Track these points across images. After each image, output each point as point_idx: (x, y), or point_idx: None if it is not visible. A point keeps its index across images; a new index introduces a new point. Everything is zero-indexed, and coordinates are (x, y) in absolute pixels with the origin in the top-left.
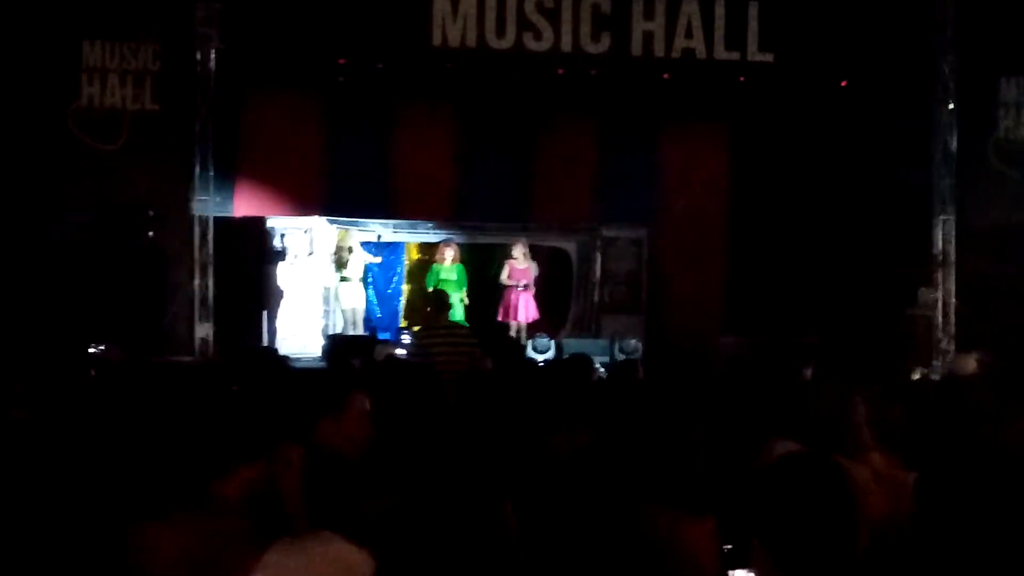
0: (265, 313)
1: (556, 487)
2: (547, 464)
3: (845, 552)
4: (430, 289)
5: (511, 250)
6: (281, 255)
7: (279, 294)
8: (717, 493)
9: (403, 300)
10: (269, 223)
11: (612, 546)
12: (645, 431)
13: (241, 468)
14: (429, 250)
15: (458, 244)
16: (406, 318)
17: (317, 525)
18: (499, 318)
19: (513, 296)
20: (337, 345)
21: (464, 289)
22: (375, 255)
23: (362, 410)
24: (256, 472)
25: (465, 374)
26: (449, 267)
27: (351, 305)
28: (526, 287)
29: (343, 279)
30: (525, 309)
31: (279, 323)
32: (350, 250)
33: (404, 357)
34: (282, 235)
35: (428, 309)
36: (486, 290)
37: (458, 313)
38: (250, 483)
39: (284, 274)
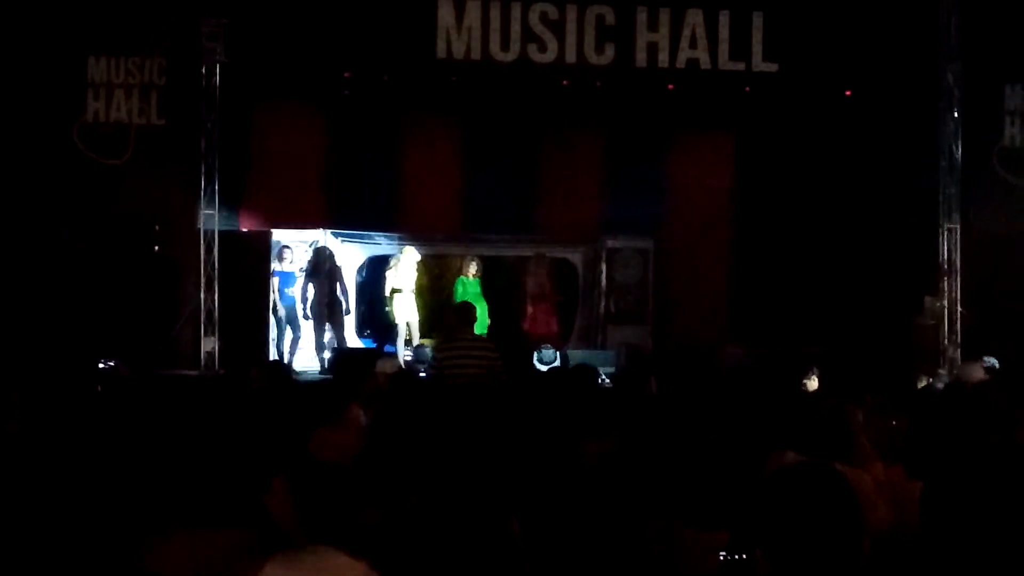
0: (271, 326)
1: (585, 494)
2: (576, 471)
3: (848, 561)
4: (457, 302)
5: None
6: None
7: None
8: (725, 504)
9: None
10: (275, 236)
11: (625, 557)
12: (670, 443)
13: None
14: (437, 263)
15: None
16: None
17: (315, 538)
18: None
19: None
20: (343, 358)
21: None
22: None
23: (356, 420)
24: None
25: (473, 386)
26: (473, 280)
27: (405, 318)
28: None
29: (395, 291)
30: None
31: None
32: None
33: (409, 369)
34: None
35: (449, 321)
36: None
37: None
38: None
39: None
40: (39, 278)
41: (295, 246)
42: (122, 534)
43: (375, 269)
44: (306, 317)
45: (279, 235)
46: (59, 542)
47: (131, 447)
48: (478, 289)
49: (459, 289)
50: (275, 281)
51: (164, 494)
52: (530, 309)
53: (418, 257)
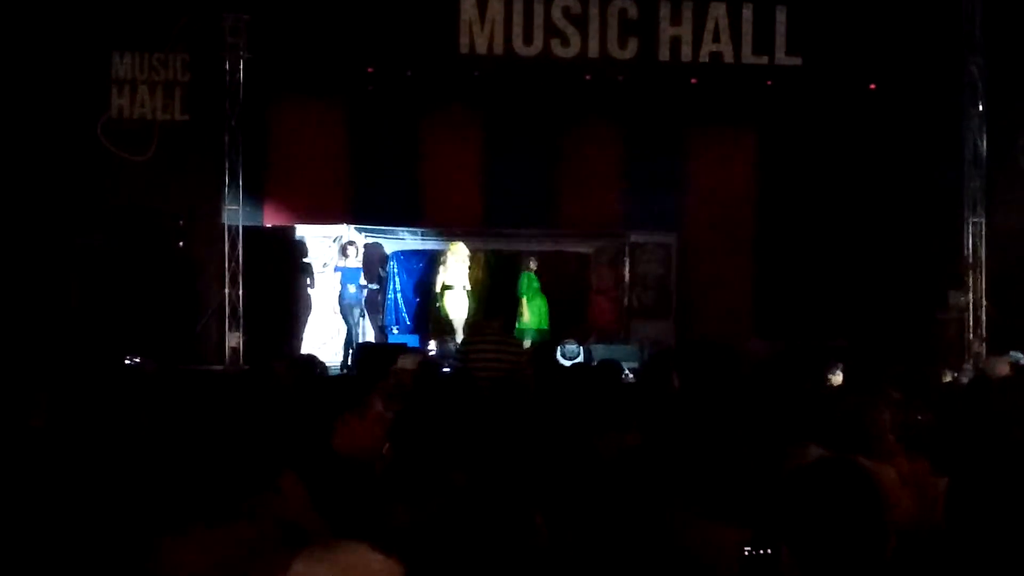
0: (296, 322)
1: (608, 489)
2: (600, 466)
3: (874, 555)
4: (522, 297)
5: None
6: (308, 266)
7: (309, 303)
8: (748, 499)
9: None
10: (298, 232)
11: (649, 552)
12: (693, 438)
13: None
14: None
15: (484, 251)
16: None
17: (340, 533)
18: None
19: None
20: (366, 353)
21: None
22: (405, 263)
23: (378, 413)
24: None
25: (500, 380)
26: (533, 275)
27: (456, 315)
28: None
29: (446, 287)
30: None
31: (309, 332)
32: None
33: (432, 364)
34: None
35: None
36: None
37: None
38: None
39: (313, 283)
40: (64, 274)
41: (360, 242)
42: (143, 529)
43: (428, 265)
44: (362, 314)
45: (302, 230)
46: (82, 537)
47: (154, 443)
48: (538, 284)
49: (523, 283)
50: (338, 276)
51: (184, 489)
52: (595, 301)
53: (467, 252)
